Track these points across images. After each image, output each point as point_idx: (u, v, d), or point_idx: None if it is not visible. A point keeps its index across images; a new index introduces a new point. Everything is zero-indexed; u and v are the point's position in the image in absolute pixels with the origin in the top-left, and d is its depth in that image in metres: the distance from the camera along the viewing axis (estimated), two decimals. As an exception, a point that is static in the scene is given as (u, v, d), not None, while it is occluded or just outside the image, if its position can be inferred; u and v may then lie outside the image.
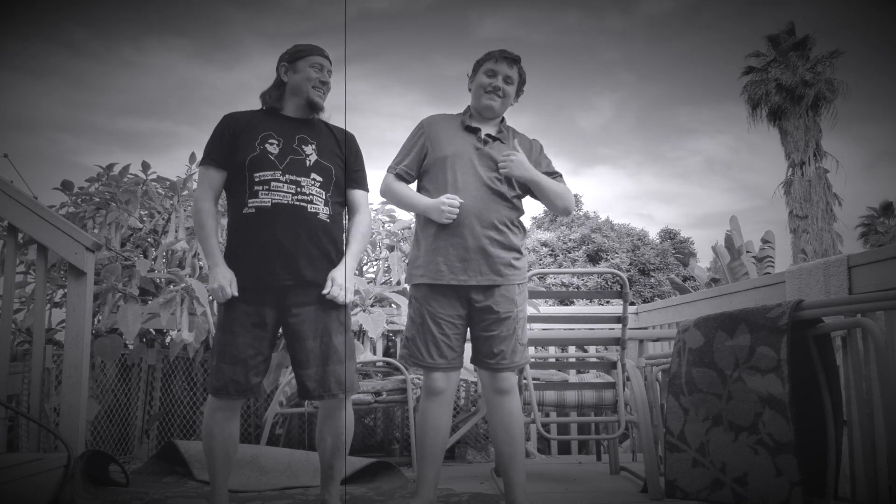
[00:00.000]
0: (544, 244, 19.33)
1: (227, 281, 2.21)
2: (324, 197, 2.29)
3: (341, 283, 2.25)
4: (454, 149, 2.39)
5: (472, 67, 2.51)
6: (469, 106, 2.51)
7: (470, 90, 2.50)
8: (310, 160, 2.29)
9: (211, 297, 2.24)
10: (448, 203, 2.30)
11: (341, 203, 2.38)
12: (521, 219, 2.46)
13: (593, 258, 19.03)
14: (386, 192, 2.49)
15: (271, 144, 2.27)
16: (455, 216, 2.31)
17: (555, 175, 2.49)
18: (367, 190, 2.43)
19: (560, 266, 18.57)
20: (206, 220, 2.29)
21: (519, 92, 2.51)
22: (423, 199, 2.39)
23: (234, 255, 2.27)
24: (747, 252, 9.73)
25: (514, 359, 2.35)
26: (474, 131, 2.43)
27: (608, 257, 18.79)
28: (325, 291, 2.23)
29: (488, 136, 2.43)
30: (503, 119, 2.51)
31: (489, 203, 2.34)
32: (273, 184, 2.22)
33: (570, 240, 19.48)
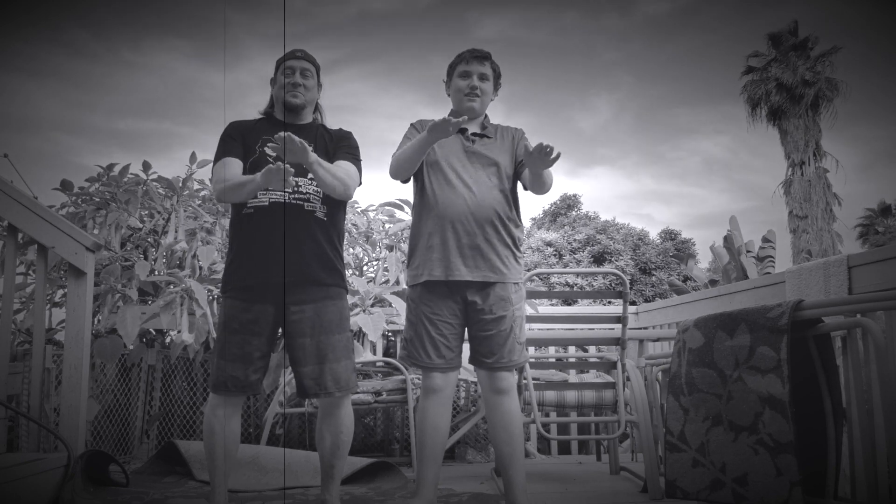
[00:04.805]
0: (549, 244, 19.30)
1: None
2: (321, 195, 2.32)
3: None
4: (445, 151, 2.43)
5: (446, 72, 2.54)
6: (452, 109, 2.53)
7: (449, 95, 2.53)
8: None
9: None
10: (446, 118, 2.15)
11: (340, 201, 2.39)
12: (519, 217, 2.46)
13: (598, 259, 19.02)
14: (392, 164, 2.41)
15: (270, 148, 2.30)
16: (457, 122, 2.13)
17: None
18: (357, 159, 2.38)
19: (566, 266, 18.57)
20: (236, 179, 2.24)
21: (496, 85, 2.54)
22: (421, 134, 2.28)
23: (234, 255, 2.32)
24: (748, 252, 9.67)
25: (512, 358, 2.35)
26: (462, 132, 2.46)
27: (613, 259, 18.78)
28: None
29: (474, 134, 2.47)
30: (486, 115, 2.54)
31: (482, 200, 2.35)
32: None
33: (574, 240, 19.45)
